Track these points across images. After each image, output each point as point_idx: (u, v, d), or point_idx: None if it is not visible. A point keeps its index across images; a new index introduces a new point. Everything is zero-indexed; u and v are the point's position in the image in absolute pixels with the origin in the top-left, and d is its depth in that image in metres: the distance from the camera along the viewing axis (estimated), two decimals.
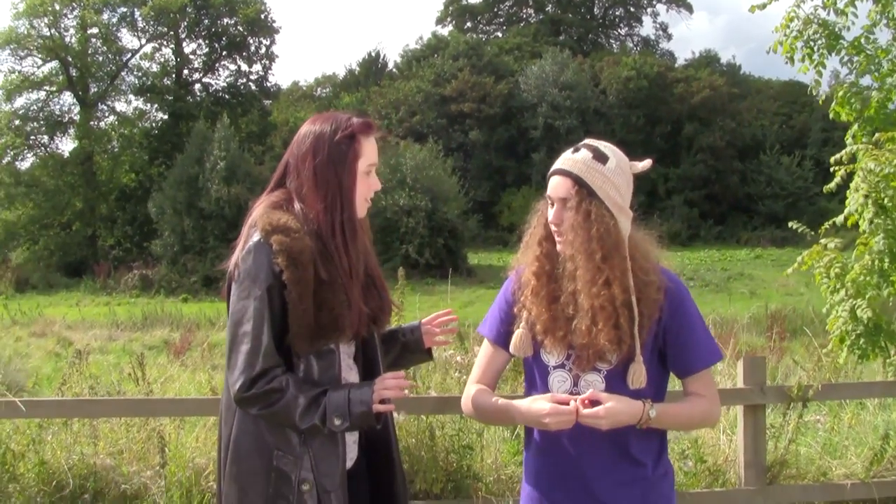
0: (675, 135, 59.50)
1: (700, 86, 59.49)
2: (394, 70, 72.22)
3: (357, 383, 2.82)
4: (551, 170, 2.88)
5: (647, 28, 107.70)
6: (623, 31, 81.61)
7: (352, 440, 2.94)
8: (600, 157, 2.82)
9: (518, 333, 2.91)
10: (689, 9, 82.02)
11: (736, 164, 57.68)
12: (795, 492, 5.25)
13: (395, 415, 3.38)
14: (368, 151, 2.88)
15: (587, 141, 2.91)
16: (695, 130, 58.37)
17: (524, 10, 79.39)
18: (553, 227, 2.85)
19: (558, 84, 58.22)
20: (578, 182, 2.78)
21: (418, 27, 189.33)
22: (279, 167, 2.94)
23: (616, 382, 2.78)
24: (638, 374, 2.77)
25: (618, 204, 2.80)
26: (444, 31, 75.68)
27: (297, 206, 2.83)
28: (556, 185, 2.84)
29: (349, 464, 2.90)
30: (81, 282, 42.58)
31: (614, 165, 2.82)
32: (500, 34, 77.89)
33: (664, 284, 2.83)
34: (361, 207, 2.92)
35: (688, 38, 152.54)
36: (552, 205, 2.86)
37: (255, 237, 2.76)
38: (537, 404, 2.77)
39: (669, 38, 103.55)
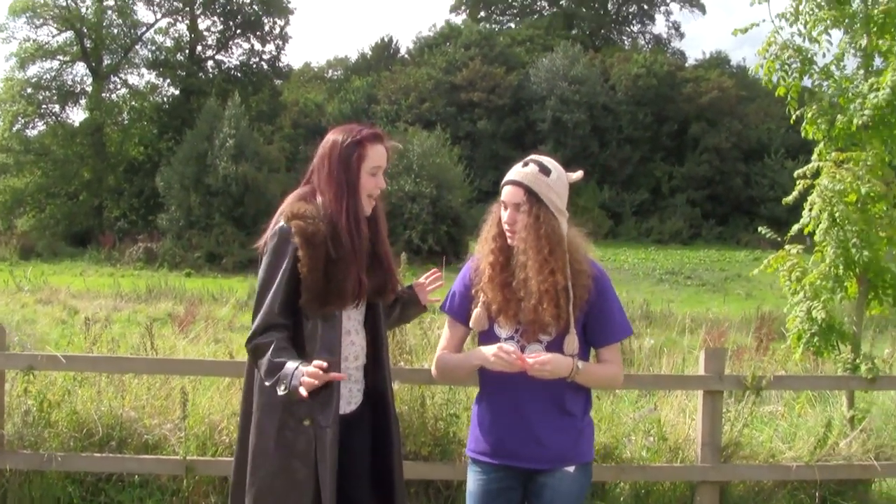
0: (681, 134, 59.86)
1: (709, 86, 59.83)
2: (405, 56, 72.48)
3: (304, 362, 3.33)
4: (505, 180, 3.57)
5: (659, 26, 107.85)
6: (635, 28, 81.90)
7: (357, 388, 3.65)
8: (545, 171, 3.51)
9: (476, 312, 3.60)
10: (703, 9, 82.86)
11: (740, 165, 57.94)
12: (746, 470, 5.82)
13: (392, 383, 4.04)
14: (373, 155, 3.58)
15: (533, 157, 3.60)
16: (701, 130, 58.71)
17: (538, 3, 79.60)
18: (506, 227, 3.54)
19: (568, 78, 58.60)
20: (528, 191, 3.48)
21: (432, 14, 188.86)
22: (309, 167, 3.65)
23: (554, 350, 3.46)
24: (571, 343, 3.46)
25: (558, 208, 3.51)
26: (458, 19, 76.05)
27: (318, 198, 3.54)
28: (510, 193, 3.52)
29: (352, 408, 3.63)
30: (86, 252, 42.86)
31: (556, 177, 3.53)
32: (512, 25, 78.15)
33: (592, 273, 3.54)
34: (366, 202, 3.60)
35: (700, 37, 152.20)
36: (506, 208, 3.53)
37: (281, 222, 3.45)
38: (486, 347, 3.49)
39: (682, 36, 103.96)
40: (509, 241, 3.53)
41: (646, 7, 79.91)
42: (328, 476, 3.40)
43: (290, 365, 3.29)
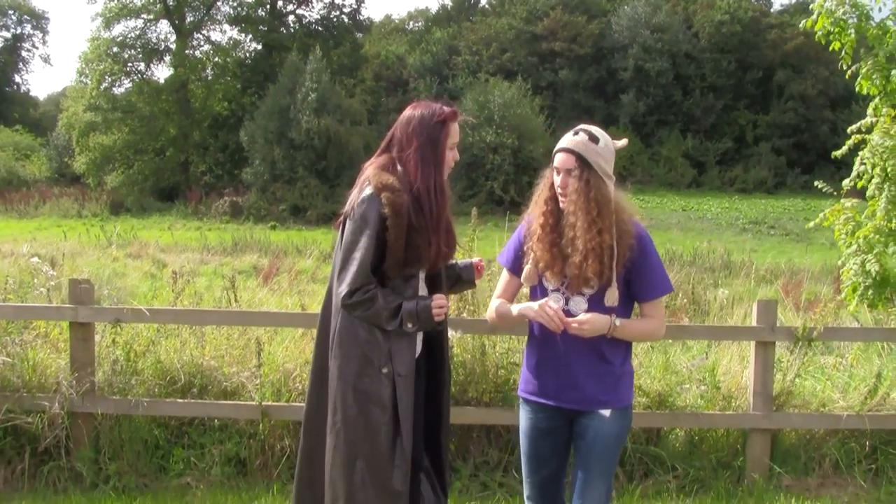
0: (765, 81, 58.55)
1: (794, 32, 58.26)
2: (486, 6, 71.98)
3: (422, 296, 3.89)
4: (557, 148, 3.86)
5: None
6: None
7: (419, 339, 4.02)
8: (593, 139, 3.81)
9: (527, 269, 3.95)
10: None
11: (827, 113, 56.45)
12: (797, 419, 6.00)
13: (451, 331, 4.40)
14: (454, 133, 3.96)
15: (582, 126, 3.89)
16: (786, 77, 57.39)
17: None
18: (559, 191, 3.84)
19: (650, 26, 57.72)
20: (579, 157, 3.77)
21: None
22: (386, 137, 4.02)
23: (595, 302, 3.83)
24: (612, 295, 3.79)
25: (606, 173, 3.81)
26: None
27: (399, 169, 3.91)
28: (563, 160, 3.83)
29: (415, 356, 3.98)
30: (173, 206, 43.87)
31: (603, 145, 3.82)
32: None
33: (636, 232, 3.83)
34: (445, 174, 3.97)
35: None
36: (558, 174, 3.83)
37: (369, 190, 3.83)
38: (532, 303, 3.88)
39: None
40: (561, 203, 3.84)
41: None
42: (406, 420, 3.80)
43: (407, 304, 3.81)
